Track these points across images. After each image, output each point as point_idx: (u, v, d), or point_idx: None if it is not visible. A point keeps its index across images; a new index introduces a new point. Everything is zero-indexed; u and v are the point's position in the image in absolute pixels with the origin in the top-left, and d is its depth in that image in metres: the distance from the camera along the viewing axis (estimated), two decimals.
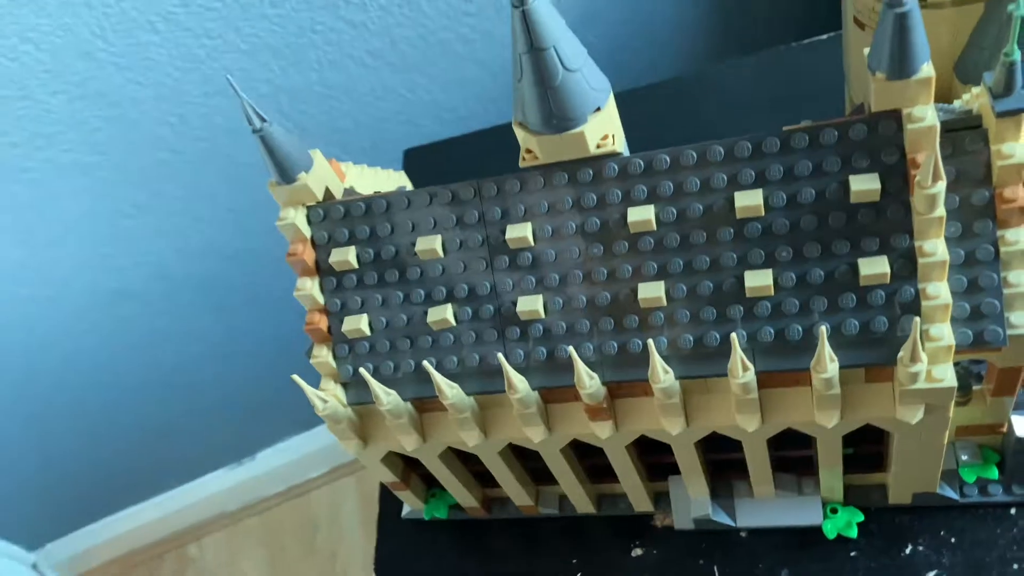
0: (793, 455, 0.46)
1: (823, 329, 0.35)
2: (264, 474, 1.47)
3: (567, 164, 0.41)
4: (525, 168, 0.41)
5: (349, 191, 0.48)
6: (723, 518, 0.49)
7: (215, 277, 1.05)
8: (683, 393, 0.41)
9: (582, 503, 0.53)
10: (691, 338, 0.39)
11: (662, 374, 0.38)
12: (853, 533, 0.47)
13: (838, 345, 0.37)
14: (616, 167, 0.40)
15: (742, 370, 0.37)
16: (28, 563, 1.70)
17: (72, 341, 1.08)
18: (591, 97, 0.37)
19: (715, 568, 0.49)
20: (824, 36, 0.73)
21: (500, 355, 0.40)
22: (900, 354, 0.35)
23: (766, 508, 0.49)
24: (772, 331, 0.38)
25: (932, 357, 0.36)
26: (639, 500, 0.52)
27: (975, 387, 0.43)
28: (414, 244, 0.43)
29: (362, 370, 0.43)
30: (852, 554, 0.47)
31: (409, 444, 0.47)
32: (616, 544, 0.52)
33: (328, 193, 0.46)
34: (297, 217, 0.45)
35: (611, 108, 0.38)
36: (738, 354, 0.37)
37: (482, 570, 0.55)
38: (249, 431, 1.41)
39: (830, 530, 0.47)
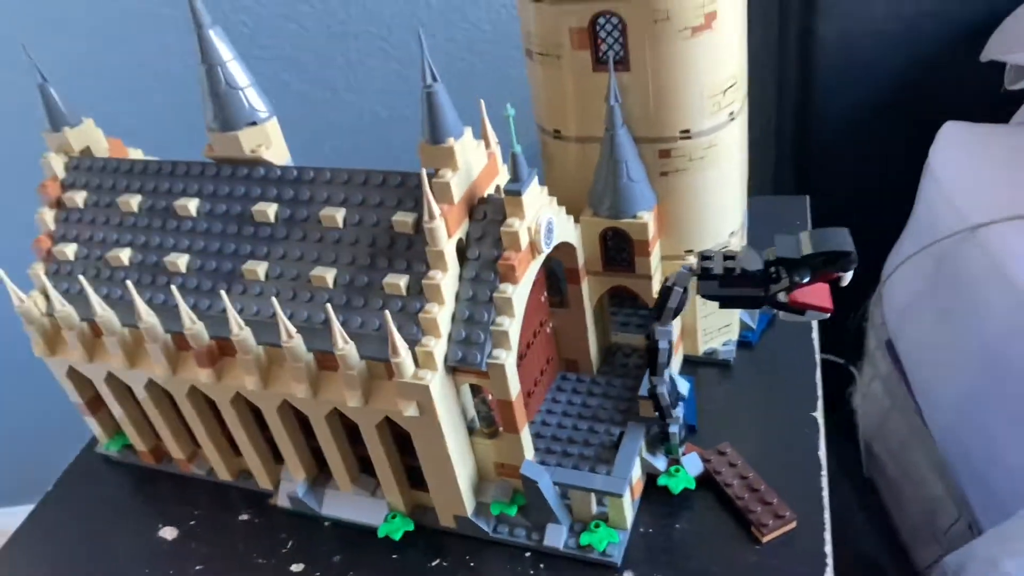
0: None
1: (328, 307, 0.46)
2: None
3: (230, 161, 0.54)
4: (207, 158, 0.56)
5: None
6: (311, 502, 0.59)
7: None
8: (267, 359, 0.52)
9: (221, 470, 0.62)
10: (259, 309, 0.50)
11: (236, 329, 0.50)
12: (397, 536, 0.55)
13: (364, 338, 0.48)
14: (263, 171, 0.53)
15: (287, 336, 0.48)
16: None
17: None
18: (247, 112, 0.51)
19: (291, 542, 0.58)
20: None
21: (130, 284, 0.52)
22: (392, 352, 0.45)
23: (346, 503, 0.58)
24: (308, 315, 0.50)
25: (423, 361, 0.46)
26: (262, 478, 0.61)
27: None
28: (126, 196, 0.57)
29: (39, 272, 0.55)
30: (393, 556, 0.55)
31: (75, 357, 0.58)
32: (233, 507, 0.61)
33: (88, 151, 0.60)
34: (55, 160, 0.59)
35: (271, 127, 0.53)
36: (284, 323, 0.48)
37: (130, 504, 0.64)
38: None
39: (381, 530, 0.56)
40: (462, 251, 0.49)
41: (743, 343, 0.66)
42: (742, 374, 0.64)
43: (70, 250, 0.57)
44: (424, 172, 0.46)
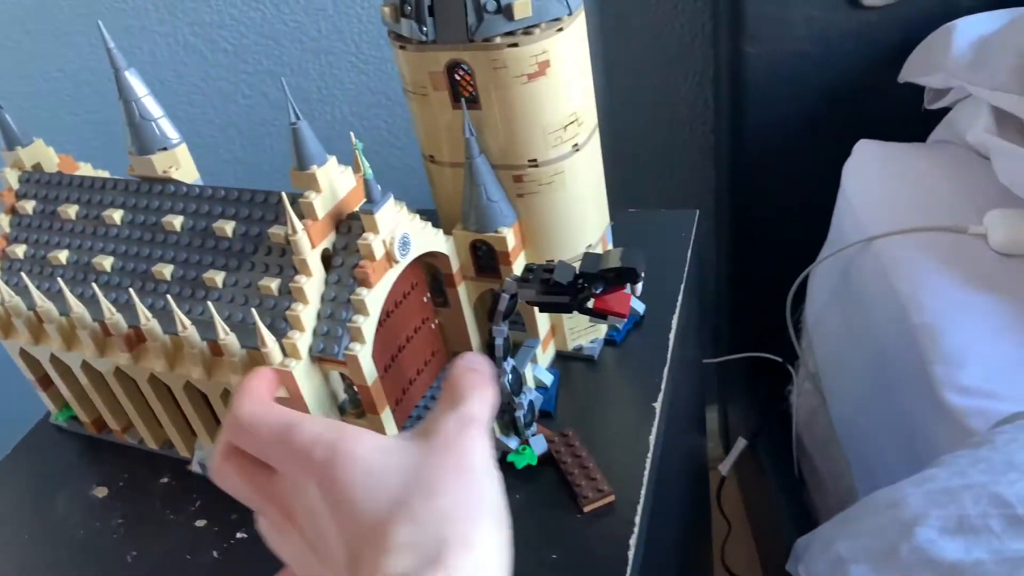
0: None
1: (211, 306, 0.56)
2: None
3: (147, 179, 0.65)
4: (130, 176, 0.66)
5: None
6: None
7: None
8: (173, 346, 0.62)
9: (148, 440, 0.73)
10: (164, 305, 0.59)
11: (144, 320, 0.60)
12: None
13: (245, 331, 0.57)
14: (172, 188, 0.64)
15: (183, 327, 0.58)
16: None
17: None
18: (159, 139, 0.62)
19: (199, 502, 0.68)
20: None
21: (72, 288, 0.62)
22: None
23: None
24: (203, 310, 0.57)
25: (290, 351, 0.56)
26: (181, 447, 0.71)
27: None
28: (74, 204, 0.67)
29: None
30: None
31: (24, 340, 0.68)
32: (157, 471, 0.72)
33: (39, 166, 0.71)
34: (10, 174, 0.70)
35: (180, 152, 0.63)
36: (179, 316, 0.58)
37: (74, 467, 0.74)
38: None
39: None
40: (329, 259, 0.59)
41: (609, 341, 0.75)
42: (604, 368, 0.73)
43: (20, 250, 0.68)
44: (284, 194, 0.55)
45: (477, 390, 0.43)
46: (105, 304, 0.61)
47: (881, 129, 1.11)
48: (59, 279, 0.63)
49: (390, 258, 0.58)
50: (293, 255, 0.57)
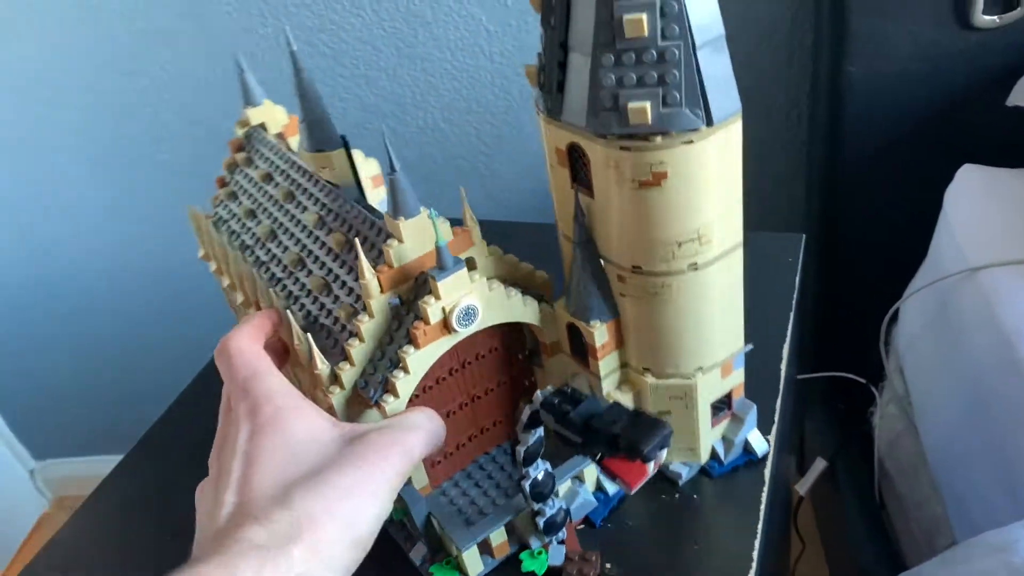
0: None
1: (290, 315, 0.60)
2: None
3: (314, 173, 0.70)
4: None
5: (280, 135, 0.80)
6: None
7: None
8: None
9: None
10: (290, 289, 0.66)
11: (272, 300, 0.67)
12: None
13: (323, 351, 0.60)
14: (320, 184, 0.68)
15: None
16: (28, 468, 2.01)
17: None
18: (317, 140, 0.65)
19: None
20: None
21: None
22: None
23: None
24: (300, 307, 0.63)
25: (339, 380, 0.58)
26: None
27: None
28: (265, 168, 0.76)
29: (192, 208, 0.77)
30: None
31: (214, 267, 0.80)
32: None
33: (264, 126, 0.80)
34: (239, 128, 0.80)
35: (337, 156, 0.66)
36: (293, 324, 0.63)
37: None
38: None
39: None
40: (402, 305, 0.59)
41: (704, 471, 0.66)
42: (691, 494, 0.64)
43: (224, 193, 0.78)
44: (357, 240, 0.56)
45: (426, 424, 0.52)
46: (249, 269, 0.70)
47: (986, 154, 1.05)
48: (226, 235, 0.72)
49: (447, 325, 0.57)
50: (365, 295, 0.58)
